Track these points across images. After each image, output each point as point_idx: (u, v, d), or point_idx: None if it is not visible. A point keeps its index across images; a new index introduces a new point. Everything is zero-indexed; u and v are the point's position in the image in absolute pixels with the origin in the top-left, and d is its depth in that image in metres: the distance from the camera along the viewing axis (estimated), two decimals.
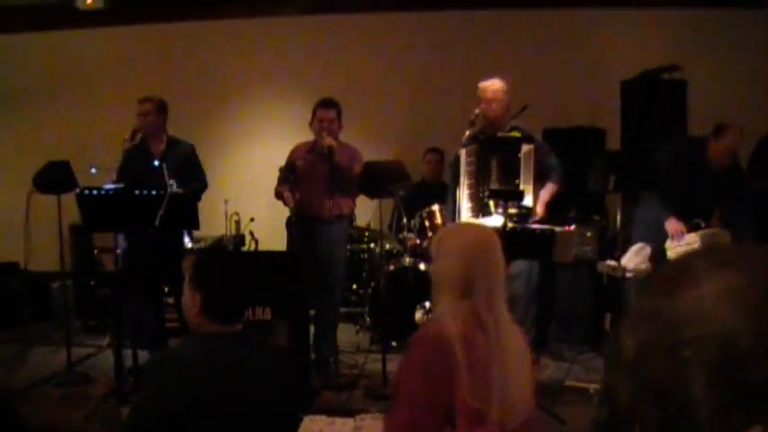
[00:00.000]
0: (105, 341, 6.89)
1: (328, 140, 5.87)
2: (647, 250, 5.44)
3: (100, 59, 8.89)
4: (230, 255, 6.47)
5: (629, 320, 0.98)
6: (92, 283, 7.66)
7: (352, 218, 6.52)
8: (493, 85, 5.77)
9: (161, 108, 6.28)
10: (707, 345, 0.87)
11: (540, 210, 5.55)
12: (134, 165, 6.11)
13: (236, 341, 2.82)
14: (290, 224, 6.54)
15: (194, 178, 6.21)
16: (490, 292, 2.69)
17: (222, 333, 2.77)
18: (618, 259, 5.43)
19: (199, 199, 6.02)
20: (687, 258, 0.99)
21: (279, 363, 2.97)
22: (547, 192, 5.68)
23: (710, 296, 0.89)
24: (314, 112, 6.10)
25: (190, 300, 2.79)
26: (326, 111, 6.05)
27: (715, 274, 0.92)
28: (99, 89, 8.81)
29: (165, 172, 5.83)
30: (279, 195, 6.09)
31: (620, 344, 0.96)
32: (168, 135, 6.35)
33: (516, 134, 5.61)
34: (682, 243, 5.46)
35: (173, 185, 5.59)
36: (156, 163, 6.02)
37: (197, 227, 5.70)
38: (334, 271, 6.08)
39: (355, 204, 6.32)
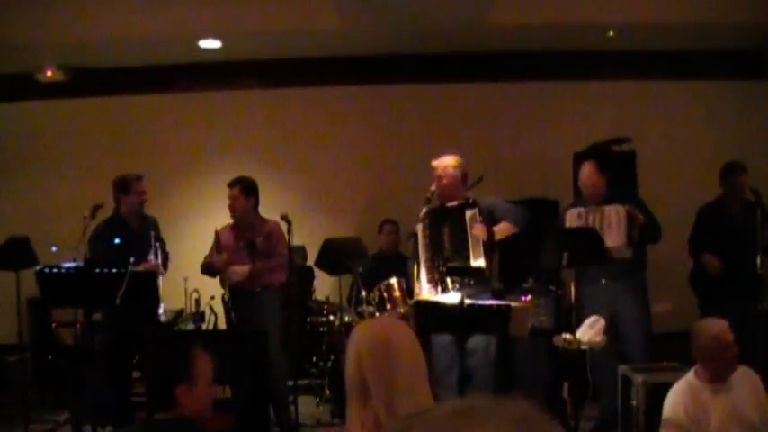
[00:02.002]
0: (63, 416, 6.83)
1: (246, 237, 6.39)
2: (601, 323, 5.57)
3: (59, 132, 8.88)
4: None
5: None
6: (49, 357, 7.60)
7: (285, 287, 6.63)
8: (442, 162, 6.01)
9: None
10: None
11: (488, 234, 5.68)
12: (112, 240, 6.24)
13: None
14: (226, 296, 6.64)
15: (162, 250, 6.45)
16: (390, 393, 2.41)
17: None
18: (573, 332, 5.55)
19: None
20: (445, 422, 1.00)
21: None
22: (499, 229, 5.83)
23: None
24: None
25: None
26: (230, 189, 6.43)
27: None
28: (58, 162, 8.80)
29: (154, 244, 6.18)
30: (207, 267, 6.47)
31: None
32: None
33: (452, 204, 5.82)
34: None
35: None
36: (117, 241, 6.11)
37: (157, 304, 5.77)
38: (270, 338, 6.18)
39: (285, 276, 6.45)
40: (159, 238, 6.51)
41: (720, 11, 7.59)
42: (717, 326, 4.00)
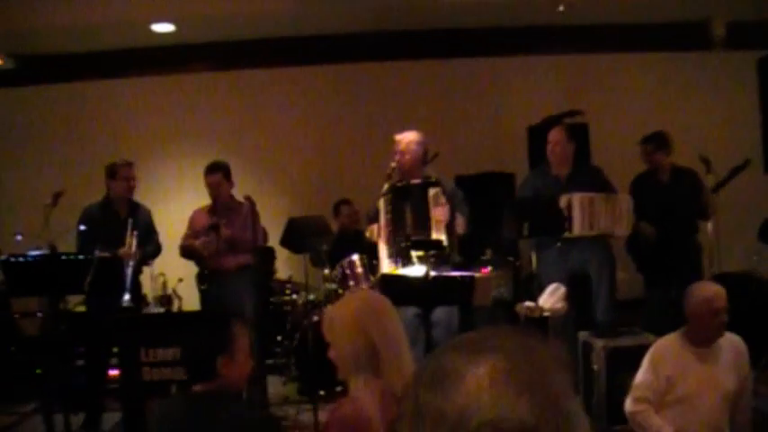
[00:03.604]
0: (30, 407, 6.81)
1: (213, 219, 6.37)
2: (562, 290, 5.72)
3: (13, 121, 8.80)
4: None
5: (411, 419, 1.02)
6: (11, 348, 7.55)
7: (257, 267, 6.70)
8: (406, 137, 6.03)
9: None
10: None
11: (451, 216, 5.80)
12: (103, 224, 6.29)
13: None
14: (200, 278, 6.67)
15: (151, 241, 6.57)
16: (398, 356, 2.63)
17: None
18: (535, 300, 5.69)
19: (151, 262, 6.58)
20: (445, 356, 1.04)
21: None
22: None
23: (475, 387, 0.96)
24: (205, 178, 6.50)
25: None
26: (211, 176, 6.48)
27: (474, 364, 0.99)
28: (13, 151, 8.72)
29: (132, 234, 6.20)
30: (187, 250, 6.47)
31: None
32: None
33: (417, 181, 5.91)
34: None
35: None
36: (83, 228, 6.13)
37: (124, 291, 5.80)
38: (243, 317, 6.24)
39: (257, 254, 6.56)
40: (151, 230, 6.60)
41: None
42: (710, 289, 4.02)
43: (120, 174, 6.41)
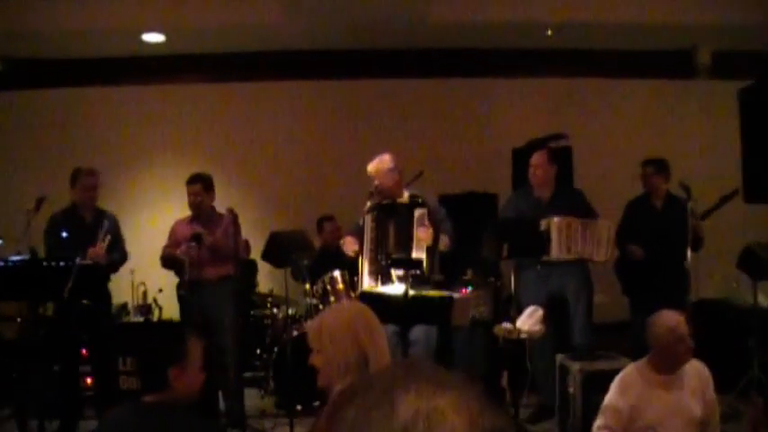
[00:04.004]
0: (6, 412, 6.78)
1: (195, 229, 6.38)
2: (540, 312, 5.76)
3: None
4: None
5: None
6: None
7: (238, 278, 6.72)
8: (379, 168, 6.08)
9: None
10: None
11: (434, 237, 5.83)
12: (69, 231, 6.28)
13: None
14: (180, 287, 6.69)
15: (117, 248, 6.51)
16: (384, 363, 2.70)
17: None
18: (513, 322, 5.72)
19: (117, 270, 6.53)
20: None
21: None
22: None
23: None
24: (186, 189, 6.55)
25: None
26: (191, 186, 6.52)
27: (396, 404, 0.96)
28: None
29: (105, 238, 6.20)
30: (168, 260, 6.49)
31: None
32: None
33: (404, 201, 5.94)
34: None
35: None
36: (65, 234, 6.13)
37: (107, 298, 5.82)
38: (222, 329, 6.29)
39: (238, 266, 6.54)
40: (118, 237, 6.56)
41: (654, 12, 7.85)
42: (674, 318, 4.04)
43: (80, 181, 6.41)
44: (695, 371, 4.15)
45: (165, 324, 6.80)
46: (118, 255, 6.52)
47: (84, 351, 6.35)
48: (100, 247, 6.16)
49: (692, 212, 6.25)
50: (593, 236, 6.23)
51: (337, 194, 8.21)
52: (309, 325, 2.98)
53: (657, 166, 6.93)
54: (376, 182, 6.03)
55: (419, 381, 1.01)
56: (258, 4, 7.70)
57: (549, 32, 8.14)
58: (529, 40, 8.46)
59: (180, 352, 2.96)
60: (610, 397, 4.17)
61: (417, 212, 5.84)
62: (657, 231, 6.74)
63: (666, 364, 4.07)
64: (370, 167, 6.09)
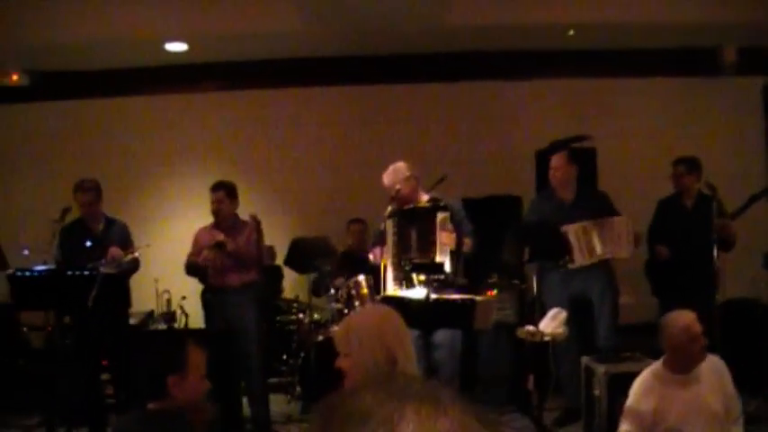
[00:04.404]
0: (35, 420, 6.85)
1: (219, 237, 6.36)
2: (563, 315, 5.73)
3: (25, 136, 8.91)
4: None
5: None
6: (20, 361, 7.61)
7: (262, 284, 6.77)
8: (393, 178, 6.08)
9: (99, 192, 6.53)
10: None
11: (457, 242, 5.81)
12: (74, 243, 6.30)
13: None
14: (204, 294, 6.74)
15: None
16: (411, 364, 2.75)
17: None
18: (536, 324, 5.70)
19: (129, 276, 6.42)
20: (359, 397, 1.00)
21: None
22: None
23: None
24: (210, 196, 6.57)
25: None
26: (215, 193, 6.54)
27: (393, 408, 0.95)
28: (25, 166, 8.82)
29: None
30: (192, 267, 6.51)
31: None
32: (105, 214, 6.62)
33: (426, 204, 5.93)
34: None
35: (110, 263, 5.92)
36: (89, 243, 6.17)
37: (129, 305, 5.86)
38: (246, 335, 6.32)
39: (260, 273, 6.62)
40: (128, 243, 6.57)
41: (676, 10, 7.79)
42: (686, 317, 4.06)
43: (75, 197, 6.44)
44: (711, 367, 4.15)
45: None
46: (133, 263, 6.53)
47: (103, 361, 6.39)
48: (116, 249, 6.21)
49: (718, 211, 6.19)
50: (612, 234, 6.20)
51: (360, 199, 8.22)
52: (336, 328, 2.98)
53: (689, 165, 6.88)
54: (395, 189, 6.02)
55: (418, 404, 0.97)
56: (277, 13, 7.73)
57: (571, 32, 8.10)
58: (550, 41, 8.43)
59: (179, 360, 2.97)
60: (630, 401, 4.17)
61: (440, 216, 5.81)
62: (687, 231, 6.69)
63: (682, 364, 4.07)
64: (386, 179, 6.10)
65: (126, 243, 6.52)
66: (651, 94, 8.95)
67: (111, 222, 6.60)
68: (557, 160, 6.61)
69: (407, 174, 6.06)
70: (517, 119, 8.89)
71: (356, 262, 7.32)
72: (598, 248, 6.15)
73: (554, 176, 6.60)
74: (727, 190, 6.39)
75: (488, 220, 6.88)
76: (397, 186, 6.00)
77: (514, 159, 8.44)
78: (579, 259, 6.12)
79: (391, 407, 0.96)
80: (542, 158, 7.52)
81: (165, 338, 3.43)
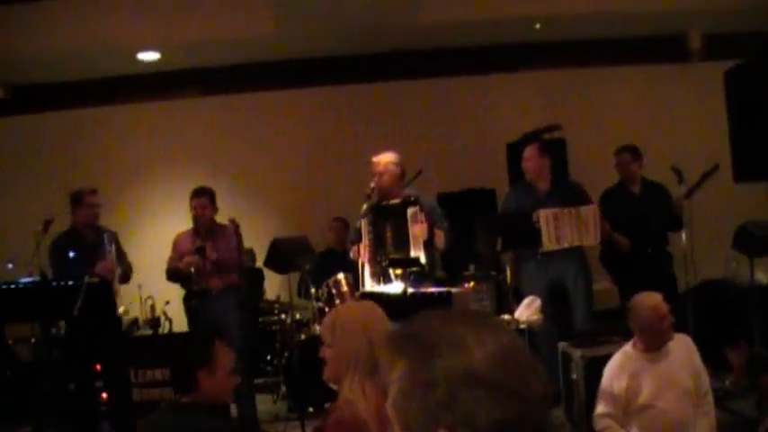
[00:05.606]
0: (25, 430, 6.89)
1: (198, 242, 6.49)
2: (538, 302, 5.85)
3: (3, 149, 8.92)
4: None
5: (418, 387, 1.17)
6: (7, 373, 7.64)
7: (243, 287, 6.86)
8: (384, 158, 6.18)
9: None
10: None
11: (429, 233, 5.91)
12: (68, 253, 6.39)
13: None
14: (187, 298, 6.80)
15: (122, 261, 6.64)
16: None
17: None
18: (512, 314, 5.82)
19: (128, 281, 6.67)
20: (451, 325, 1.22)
21: None
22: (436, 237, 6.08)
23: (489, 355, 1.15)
24: (190, 202, 6.66)
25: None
26: (198, 199, 6.63)
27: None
28: (4, 179, 8.84)
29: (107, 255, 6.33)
30: (173, 272, 6.63)
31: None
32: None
33: (397, 202, 6.04)
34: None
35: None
36: (72, 254, 6.25)
37: (115, 314, 5.93)
38: (229, 336, 6.37)
39: (241, 276, 6.77)
40: (120, 252, 6.67)
41: None
42: (653, 298, 4.22)
43: (84, 201, 6.53)
44: (679, 345, 4.30)
45: (174, 336, 6.95)
46: (125, 267, 6.66)
47: (97, 366, 6.46)
48: (110, 261, 6.30)
49: (679, 197, 6.32)
50: (581, 222, 6.30)
51: (340, 199, 8.28)
52: (324, 319, 3.06)
53: (634, 153, 6.97)
54: (375, 177, 6.11)
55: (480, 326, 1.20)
56: (251, 17, 7.81)
57: (538, 26, 8.22)
58: (518, 34, 8.54)
59: (207, 356, 3.18)
60: (604, 383, 4.31)
61: (410, 210, 5.91)
62: (637, 218, 6.78)
63: (652, 343, 4.21)
64: (376, 158, 6.20)
65: (118, 250, 6.64)
66: (620, 83, 9.07)
67: (100, 231, 6.65)
68: (529, 152, 6.71)
69: (395, 160, 6.16)
70: (489, 113, 9.00)
71: (336, 260, 7.39)
72: (567, 235, 6.27)
73: (526, 168, 6.70)
74: (695, 174, 6.49)
75: (463, 213, 7.01)
76: (380, 169, 6.10)
77: (488, 153, 8.55)
78: (547, 244, 6.23)
79: (459, 330, 1.18)
80: (514, 151, 7.61)
81: (195, 336, 3.64)
